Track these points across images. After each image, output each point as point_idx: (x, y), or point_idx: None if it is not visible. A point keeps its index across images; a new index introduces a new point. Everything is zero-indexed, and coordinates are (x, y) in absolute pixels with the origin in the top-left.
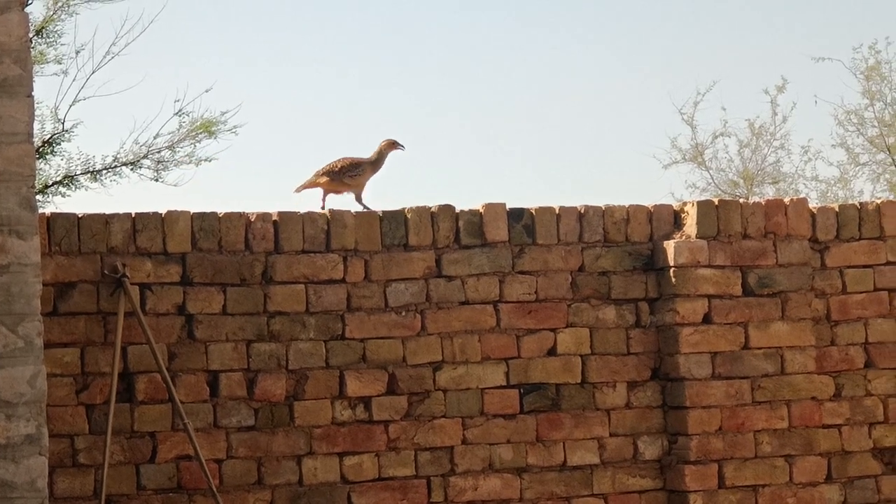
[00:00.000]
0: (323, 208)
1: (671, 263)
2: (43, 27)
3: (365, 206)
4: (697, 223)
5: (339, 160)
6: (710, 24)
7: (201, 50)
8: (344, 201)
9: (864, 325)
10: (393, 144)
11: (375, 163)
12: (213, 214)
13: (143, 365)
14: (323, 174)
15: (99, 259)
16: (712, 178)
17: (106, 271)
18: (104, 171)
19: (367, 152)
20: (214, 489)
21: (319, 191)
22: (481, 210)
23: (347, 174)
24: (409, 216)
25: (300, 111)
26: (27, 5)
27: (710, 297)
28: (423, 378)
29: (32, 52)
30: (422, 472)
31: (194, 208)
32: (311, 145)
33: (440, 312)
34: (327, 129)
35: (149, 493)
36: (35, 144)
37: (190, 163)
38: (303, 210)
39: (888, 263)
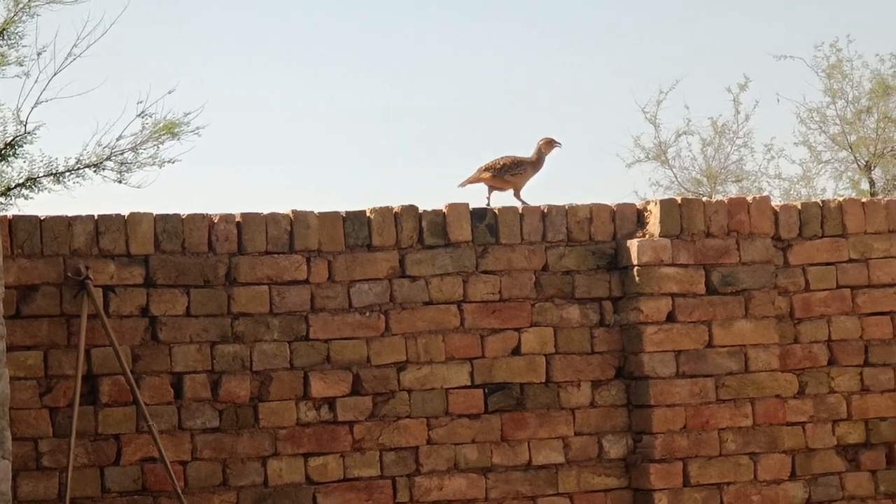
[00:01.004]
0: (488, 204)
1: (634, 262)
2: (4, 29)
3: (523, 202)
4: (661, 222)
5: (502, 158)
6: (672, 22)
7: (164, 51)
8: (507, 197)
9: (826, 323)
10: (551, 143)
11: (536, 162)
12: (176, 216)
13: (106, 367)
14: (486, 170)
15: (62, 261)
16: (675, 177)
17: (69, 274)
18: (67, 174)
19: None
20: (179, 491)
21: (482, 186)
22: (444, 210)
23: (509, 172)
24: (371, 216)
25: (263, 112)
26: None
27: (673, 295)
28: (388, 378)
29: None
30: (387, 472)
31: (158, 210)
32: (274, 146)
33: (404, 313)
34: (290, 130)
35: (113, 495)
36: None
37: (153, 164)
38: (266, 211)
39: (850, 261)
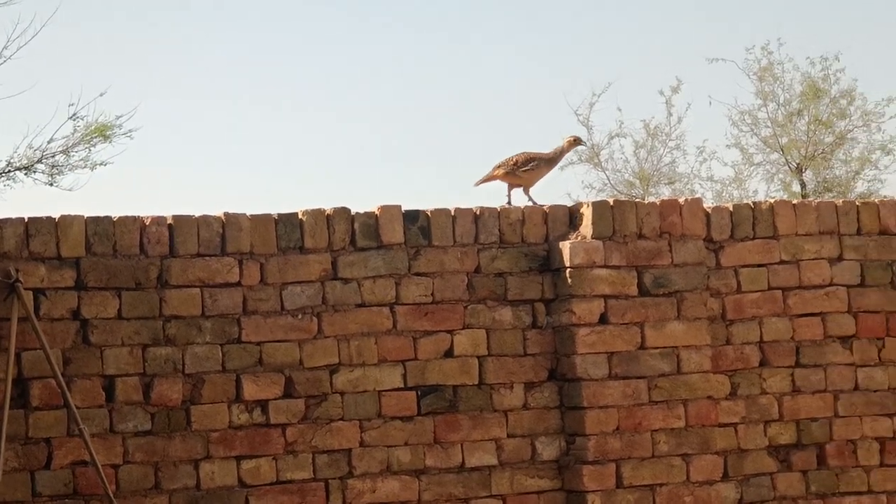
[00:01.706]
0: (509, 203)
1: (567, 264)
2: None
3: (531, 200)
4: (593, 223)
5: (518, 154)
6: (605, 25)
7: (95, 54)
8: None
9: (758, 324)
10: (576, 141)
11: (552, 160)
12: (108, 219)
13: (37, 370)
14: (499, 167)
15: None
16: (608, 179)
17: None
18: None
19: (270, 155)
20: (111, 495)
21: (498, 184)
22: (377, 212)
23: (521, 168)
24: (304, 219)
25: (196, 115)
26: None
27: (606, 297)
28: (320, 381)
29: None
30: (319, 474)
31: (89, 213)
32: (207, 148)
33: (336, 315)
34: (223, 133)
35: (44, 499)
36: None
37: (85, 167)
38: (198, 214)
39: (782, 262)
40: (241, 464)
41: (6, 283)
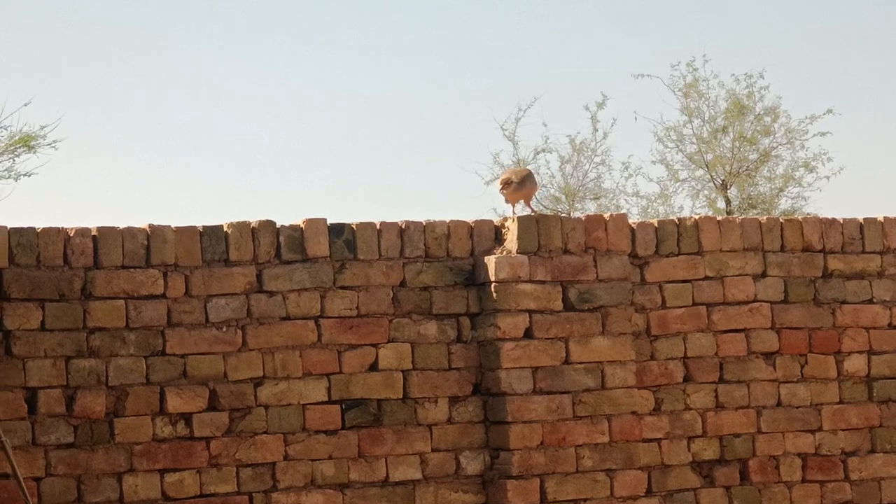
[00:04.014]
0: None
1: (492, 278)
2: None
3: (532, 209)
4: (518, 238)
5: (516, 169)
6: (530, 39)
7: (19, 63)
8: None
9: (682, 340)
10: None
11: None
12: (31, 230)
13: None
14: (509, 185)
15: None
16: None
17: None
18: None
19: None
20: None
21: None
22: (302, 225)
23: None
24: (229, 231)
25: (121, 125)
26: None
27: (531, 311)
28: (245, 394)
29: None
30: (244, 488)
31: (13, 223)
32: (132, 160)
33: (261, 328)
34: (149, 144)
35: None
36: None
37: (9, 177)
38: (122, 225)
39: (706, 278)
40: (165, 477)
41: None
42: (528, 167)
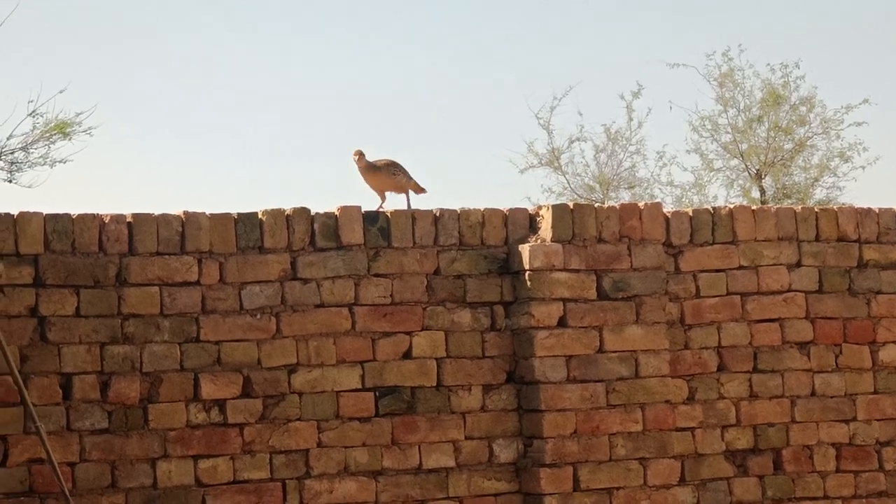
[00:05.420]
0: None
1: (526, 267)
2: None
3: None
4: (553, 227)
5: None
6: (566, 29)
7: (55, 50)
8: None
9: (716, 329)
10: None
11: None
12: (67, 216)
13: None
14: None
15: None
16: (568, 183)
17: None
18: None
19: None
20: (67, 493)
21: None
22: (337, 213)
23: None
24: (263, 218)
25: (156, 112)
26: None
27: (564, 300)
28: (278, 381)
29: None
30: (277, 475)
31: (48, 210)
32: (167, 146)
33: (295, 315)
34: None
35: (0, 497)
36: None
37: (44, 164)
38: (157, 212)
39: (740, 268)
40: (199, 463)
41: None
42: (398, 162)
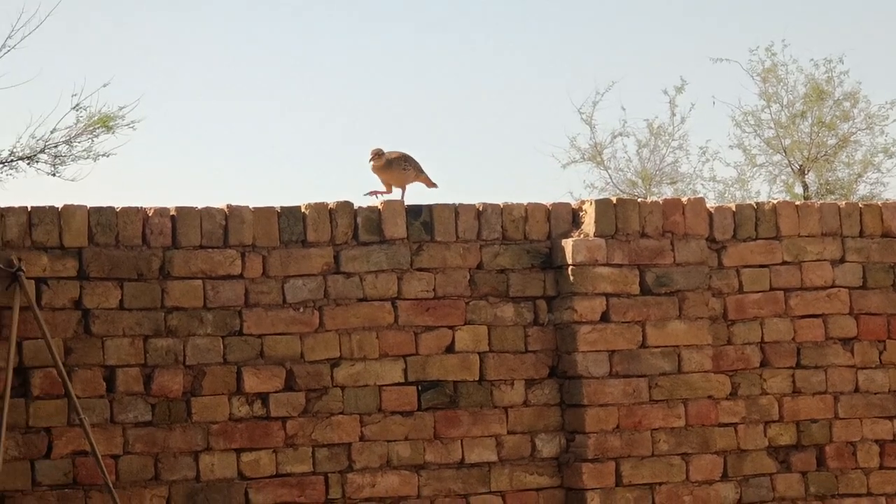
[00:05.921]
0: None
1: (569, 261)
2: None
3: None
4: (596, 221)
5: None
6: (609, 24)
7: (99, 44)
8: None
9: (759, 325)
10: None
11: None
12: (111, 209)
13: (38, 360)
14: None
15: None
16: (611, 178)
17: (1, 265)
18: (0, 166)
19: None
20: (111, 485)
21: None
22: (380, 206)
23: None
24: (307, 212)
25: (200, 105)
26: None
27: (607, 295)
28: (321, 374)
29: None
30: (319, 468)
31: (92, 203)
32: (210, 139)
33: (338, 309)
34: (227, 124)
35: (44, 489)
36: None
37: (88, 157)
38: (201, 205)
39: (784, 263)
40: (241, 456)
41: (9, 271)
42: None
